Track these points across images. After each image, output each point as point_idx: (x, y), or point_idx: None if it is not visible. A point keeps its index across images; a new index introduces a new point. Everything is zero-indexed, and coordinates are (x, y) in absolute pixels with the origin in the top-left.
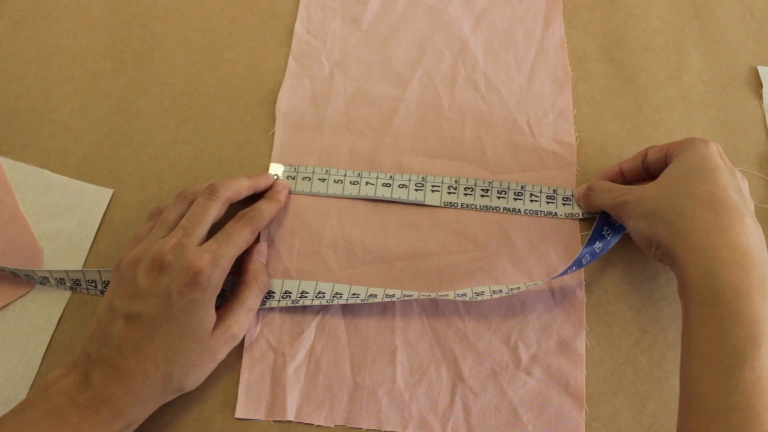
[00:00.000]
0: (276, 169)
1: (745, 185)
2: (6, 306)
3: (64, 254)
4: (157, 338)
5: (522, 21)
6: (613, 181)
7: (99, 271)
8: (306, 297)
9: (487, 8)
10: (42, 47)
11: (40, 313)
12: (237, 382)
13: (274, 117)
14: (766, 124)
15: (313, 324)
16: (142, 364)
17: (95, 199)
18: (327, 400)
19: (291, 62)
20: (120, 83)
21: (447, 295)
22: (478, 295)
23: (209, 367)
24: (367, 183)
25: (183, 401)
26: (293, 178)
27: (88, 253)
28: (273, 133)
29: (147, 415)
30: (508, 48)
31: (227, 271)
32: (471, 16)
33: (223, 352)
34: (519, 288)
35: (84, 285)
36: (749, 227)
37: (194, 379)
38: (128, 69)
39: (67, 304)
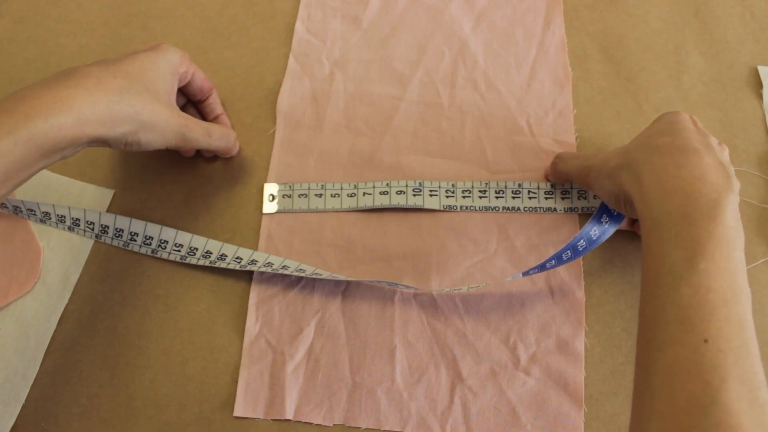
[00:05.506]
0: (271, 189)
1: (724, 151)
2: (6, 306)
3: (65, 254)
4: (118, 63)
5: (522, 21)
6: None
7: (99, 213)
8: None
9: (488, 8)
10: (42, 47)
11: (40, 313)
12: (236, 381)
13: (274, 117)
14: (766, 124)
15: (312, 323)
16: (97, 71)
17: (96, 199)
18: (326, 399)
19: (291, 61)
20: None
21: (428, 289)
22: (455, 289)
23: (162, 119)
24: (364, 194)
25: (182, 401)
26: (289, 197)
27: (89, 253)
28: (273, 132)
29: (98, 126)
30: (508, 48)
31: (186, 62)
32: (471, 16)
33: (173, 124)
34: (506, 279)
35: (82, 226)
36: (706, 164)
37: (149, 114)
38: None
39: (67, 304)
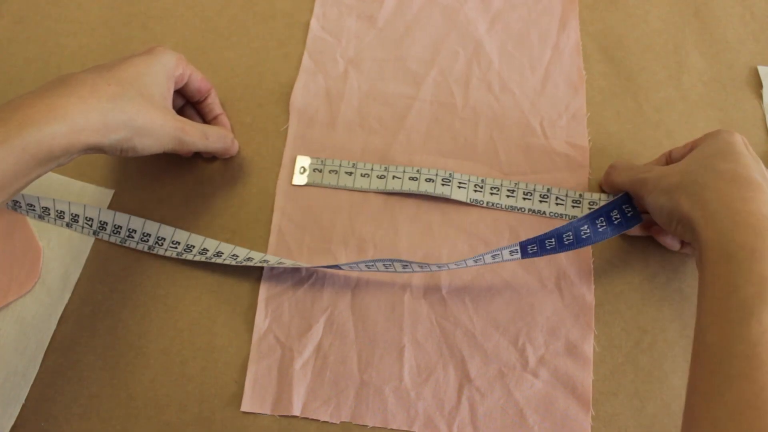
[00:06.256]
0: (303, 161)
1: None
2: (6, 306)
3: (65, 254)
4: (112, 69)
5: (537, 23)
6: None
7: (99, 209)
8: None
9: (503, 9)
10: (42, 47)
11: (40, 313)
12: (236, 381)
13: (274, 117)
14: (766, 124)
15: (321, 320)
16: (91, 78)
17: (95, 199)
18: (333, 396)
19: (306, 59)
20: None
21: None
22: (457, 264)
23: (157, 124)
24: (393, 177)
25: (182, 401)
26: (320, 171)
27: (89, 253)
28: (286, 128)
29: (92, 134)
30: (522, 49)
31: (183, 64)
32: (486, 17)
33: (169, 128)
34: (500, 254)
35: (81, 222)
36: None
37: (143, 120)
38: None
39: (67, 304)
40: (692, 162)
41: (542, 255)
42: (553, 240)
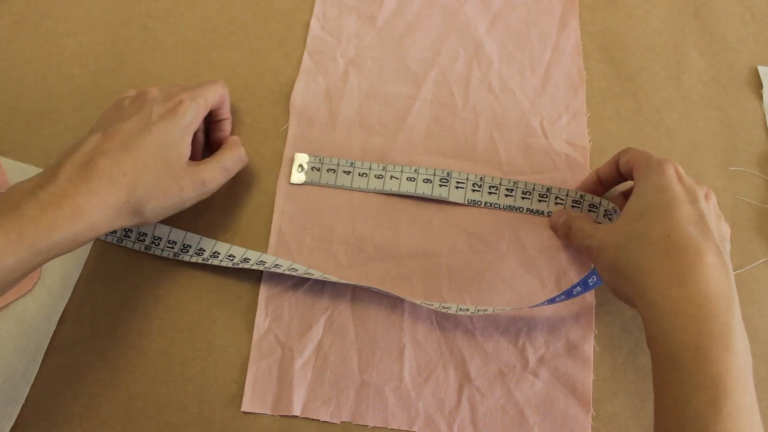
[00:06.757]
0: (301, 159)
1: (711, 203)
2: (6, 306)
3: (65, 254)
4: (130, 149)
5: (537, 23)
6: (593, 189)
7: None
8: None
9: (503, 9)
10: (42, 47)
11: (40, 313)
12: (236, 381)
13: (274, 117)
14: (766, 124)
15: (321, 320)
16: (110, 168)
17: None
18: (333, 396)
19: (306, 59)
20: (120, 83)
21: (433, 306)
22: (461, 308)
23: (173, 198)
24: (391, 177)
25: (182, 401)
26: (318, 170)
27: (89, 253)
28: (286, 128)
29: (105, 226)
30: (523, 49)
31: (202, 111)
32: (487, 17)
33: (189, 191)
34: (506, 309)
35: None
36: (710, 268)
37: (155, 204)
38: (128, 69)
39: (67, 304)
40: (626, 229)
41: (586, 292)
42: (563, 296)
